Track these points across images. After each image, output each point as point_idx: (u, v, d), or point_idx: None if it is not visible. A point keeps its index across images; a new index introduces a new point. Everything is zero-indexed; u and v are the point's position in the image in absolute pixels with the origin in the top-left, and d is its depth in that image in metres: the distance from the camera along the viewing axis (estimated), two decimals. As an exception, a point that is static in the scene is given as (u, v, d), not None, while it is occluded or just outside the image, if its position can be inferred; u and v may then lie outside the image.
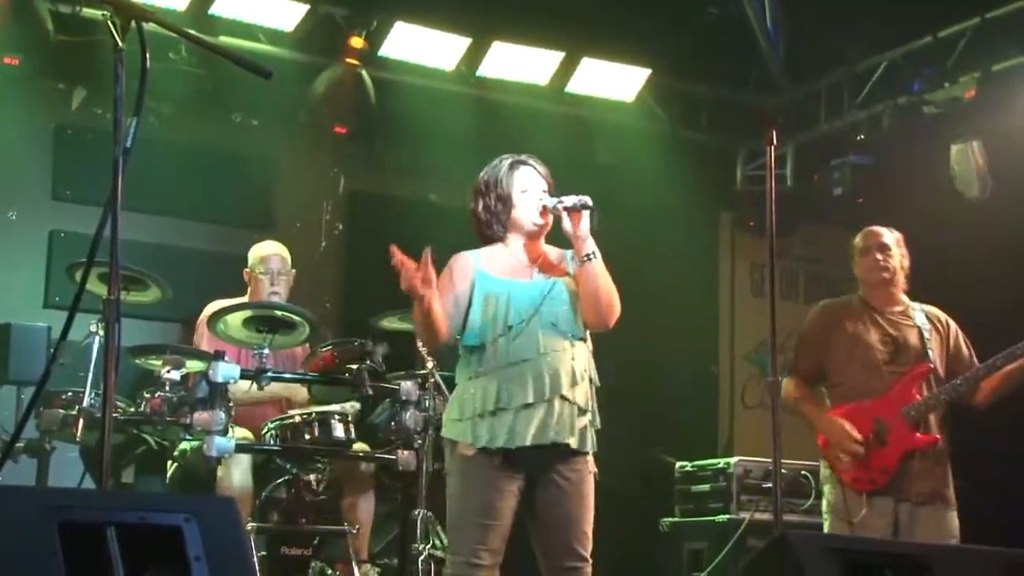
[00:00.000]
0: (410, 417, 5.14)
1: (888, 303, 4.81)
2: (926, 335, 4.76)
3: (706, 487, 6.60)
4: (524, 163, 3.89)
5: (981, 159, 6.96)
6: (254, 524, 5.02)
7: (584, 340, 3.79)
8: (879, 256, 4.80)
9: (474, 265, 3.77)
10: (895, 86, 7.38)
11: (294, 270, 5.79)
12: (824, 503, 4.81)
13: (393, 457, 5.13)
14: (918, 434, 4.67)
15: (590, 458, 3.76)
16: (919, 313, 4.82)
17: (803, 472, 6.19)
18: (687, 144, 8.10)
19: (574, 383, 3.69)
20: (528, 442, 3.62)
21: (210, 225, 7.15)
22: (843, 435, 4.65)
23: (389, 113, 7.33)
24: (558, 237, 3.91)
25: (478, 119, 7.40)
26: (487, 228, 3.85)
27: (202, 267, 6.78)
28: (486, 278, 3.77)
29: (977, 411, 4.81)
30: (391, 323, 5.78)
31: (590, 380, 3.78)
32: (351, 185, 7.72)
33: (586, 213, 3.75)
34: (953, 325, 4.85)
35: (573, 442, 3.68)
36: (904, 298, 4.85)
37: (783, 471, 4.35)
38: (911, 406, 4.67)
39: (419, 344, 5.60)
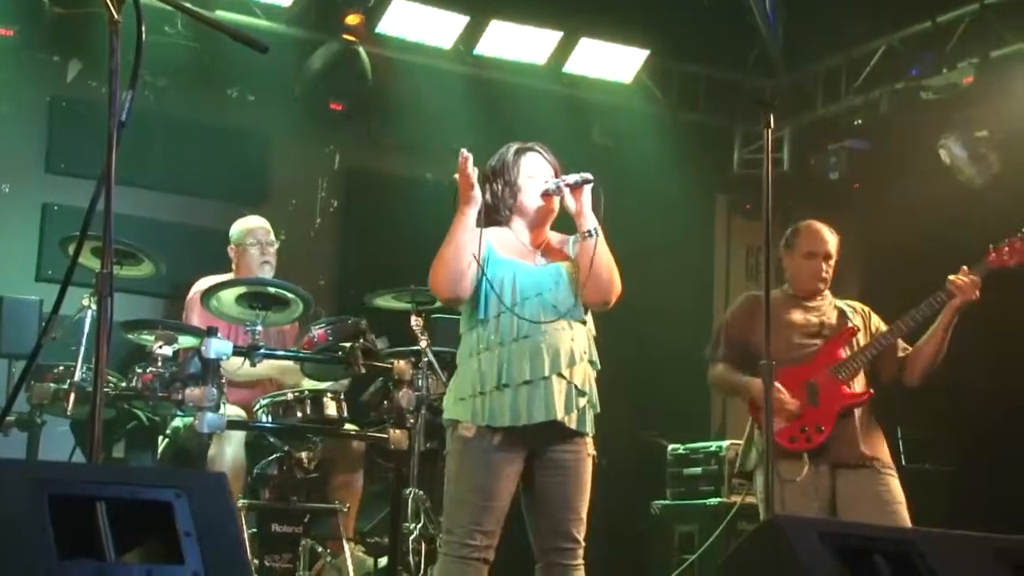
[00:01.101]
0: (403, 396, 5.13)
1: (813, 297, 4.87)
2: (848, 313, 4.83)
3: (698, 470, 6.61)
4: (531, 149, 3.90)
5: (962, 152, 6.96)
6: (245, 501, 5.02)
7: (584, 323, 3.80)
8: (824, 266, 4.83)
9: (486, 239, 3.78)
10: (893, 71, 7.37)
11: (279, 242, 5.78)
12: (755, 472, 4.77)
13: (385, 436, 5.13)
14: (847, 390, 4.69)
15: (589, 440, 3.77)
16: (842, 303, 4.90)
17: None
18: (684, 126, 8.09)
19: (572, 362, 3.70)
20: (527, 420, 3.63)
21: (204, 200, 7.13)
22: (777, 402, 4.60)
23: (386, 90, 7.31)
24: (565, 224, 3.92)
25: (475, 98, 7.38)
26: (494, 213, 3.85)
27: (195, 242, 6.77)
28: (494, 254, 3.78)
29: (911, 388, 4.78)
30: (385, 301, 5.78)
31: (590, 362, 3.78)
32: (347, 162, 7.71)
33: (587, 188, 3.76)
34: (874, 315, 4.88)
35: (571, 421, 3.69)
36: (828, 293, 4.91)
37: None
38: (838, 364, 4.70)
39: (413, 322, 5.60)
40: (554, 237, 3.94)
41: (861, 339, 4.79)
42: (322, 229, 7.54)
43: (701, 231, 8.78)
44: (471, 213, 3.69)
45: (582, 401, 3.72)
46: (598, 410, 3.79)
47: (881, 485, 4.62)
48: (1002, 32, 6.85)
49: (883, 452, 4.72)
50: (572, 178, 3.79)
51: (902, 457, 6.88)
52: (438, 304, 4.73)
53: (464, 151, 3.67)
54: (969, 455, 7.02)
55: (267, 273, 5.65)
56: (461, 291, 3.74)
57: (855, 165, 7.66)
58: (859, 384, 4.75)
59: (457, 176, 3.70)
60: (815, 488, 4.61)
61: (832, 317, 4.82)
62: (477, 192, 3.70)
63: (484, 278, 3.73)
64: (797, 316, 4.82)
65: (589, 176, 3.78)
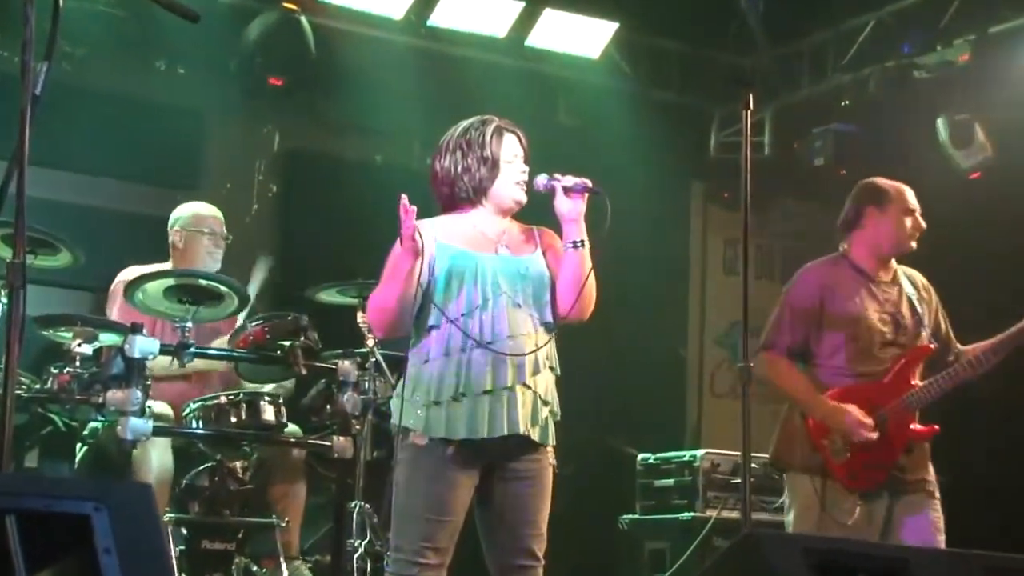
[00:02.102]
0: (348, 400, 5.13)
1: (882, 271, 4.73)
2: (918, 308, 4.69)
3: (670, 481, 6.64)
4: (509, 130, 3.87)
5: (951, 134, 7.03)
6: (172, 515, 5.00)
7: (550, 326, 3.78)
8: (923, 223, 4.69)
9: (431, 236, 3.74)
10: (883, 48, 7.42)
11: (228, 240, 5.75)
12: (791, 497, 4.67)
13: (328, 444, 5.12)
14: (919, 425, 4.63)
15: (550, 450, 3.77)
16: (906, 280, 4.75)
17: (775, 466, 6.24)
18: (657, 106, 8.11)
19: (537, 371, 3.70)
20: (487, 433, 3.62)
21: (129, 184, 7.09)
22: (853, 421, 4.49)
23: (331, 64, 7.28)
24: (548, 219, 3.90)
25: (429, 74, 7.37)
26: (460, 191, 3.81)
27: (119, 230, 6.73)
28: (447, 250, 3.74)
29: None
30: (329, 296, 5.76)
31: (551, 369, 3.78)
32: (287, 143, 7.68)
33: (584, 196, 3.76)
34: (935, 296, 4.80)
35: (535, 434, 3.69)
36: (892, 262, 4.78)
37: (753, 465, 4.37)
38: (912, 394, 4.59)
39: (359, 319, 5.59)
40: (517, 228, 3.90)
41: (928, 336, 4.65)
42: (259, 216, 7.51)
43: (675, 221, 8.82)
44: (415, 264, 3.65)
45: (545, 411, 3.73)
46: (559, 418, 3.80)
47: (934, 511, 4.59)
48: (1001, 6, 6.91)
49: (929, 474, 4.67)
50: (570, 180, 3.77)
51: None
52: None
53: (405, 200, 3.57)
54: (962, 466, 7.09)
55: (214, 266, 5.61)
56: (402, 332, 3.78)
57: (842, 150, 7.70)
58: (929, 411, 4.65)
59: (406, 223, 3.59)
60: (868, 527, 4.52)
61: (906, 310, 4.67)
62: (420, 244, 3.62)
63: (438, 284, 3.71)
64: (873, 313, 4.64)
65: (594, 186, 3.77)
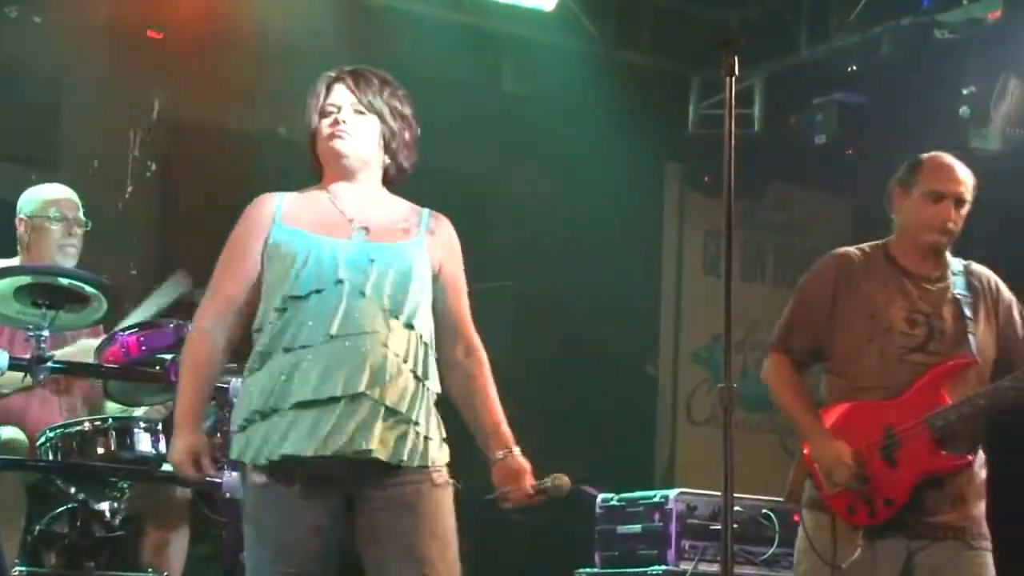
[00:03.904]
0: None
1: (925, 265, 4.70)
2: (967, 312, 4.63)
3: (637, 528, 6.65)
4: (338, 79, 3.88)
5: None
6: (23, 568, 4.96)
7: (413, 328, 3.70)
8: (954, 213, 4.62)
9: (272, 214, 3.76)
10: (898, 2, 7.48)
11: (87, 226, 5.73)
12: (801, 535, 4.68)
13: (218, 480, 5.09)
14: (942, 452, 4.60)
15: (435, 471, 3.70)
16: (959, 277, 4.70)
17: (764, 511, 6.26)
18: (624, 70, 8.15)
19: (383, 379, 3.63)
20: (309, 452, 3.56)
21: (-28, 160, 7.05)
22: (833, 463, 4.54)
23: (223, 14, 7.25)
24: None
25: (348, 29, 7.35)
26: (314, 164, 3.89)
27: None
28: (282, 232, 3.74)
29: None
30: (219, 299, 5.74)
31: (417, 379, 3.72)
32: (169, 111, 7.66)
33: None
34: (1006, 292, 4.72)
35: (382, 453, 3.61)
36: (947, 257, 4.72)
37: (737, 508, 4.39)
38: (937, 413, 4.54)
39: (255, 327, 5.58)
40: (397, 206, 3.87)
41: (983, 347, 4.57)
42: (135, 200, 7.49)
43: (645, 210, 8.86)
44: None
45: (403, 428, 3.65)
46: (443, 435, 3.74)
47: (975, 566, 4.53)
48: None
49: (979, 514, 4.59)
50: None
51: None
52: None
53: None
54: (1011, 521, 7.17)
55: (69, 260, 5.59)
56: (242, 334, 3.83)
57: (848, 124, 7.77)
58: (962, 437, 4.55)
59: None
60: (874, 572, 4.50)
61: (946, 315, 4.62)
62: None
63: (267, 274, 3.71)
64: (899, 312, 4.62)
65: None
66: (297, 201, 3.82)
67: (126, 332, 5.13)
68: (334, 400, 3.59)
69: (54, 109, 7.33)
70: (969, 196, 4.65)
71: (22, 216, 5.69)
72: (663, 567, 6.43)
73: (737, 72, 4.25)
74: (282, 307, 3.66)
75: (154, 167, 7.61)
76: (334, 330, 3.62)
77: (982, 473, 4.64)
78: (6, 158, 7.00)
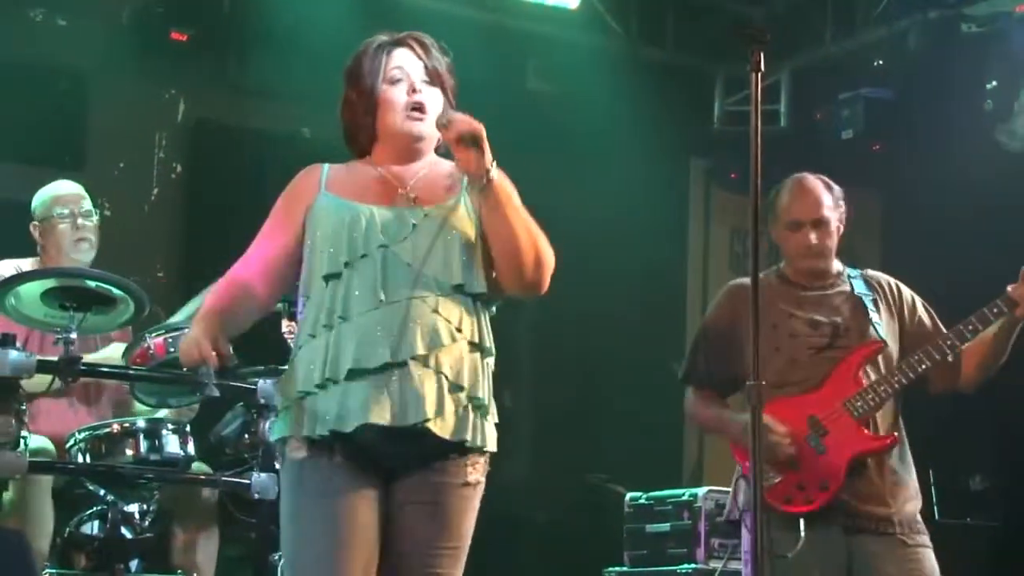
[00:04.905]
0: (270, 427, 5.11)
1: (817, 280, 4.86)
2: (868, 306, 4.80)
3: (665, 526, 6.66)
4: (400, 43, 3.85)
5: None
6: (54, 571, 4.97)
7: (464, 290, 3.59)
8: (813, 237, 4.79)
9: (319, 181, 3.73)
10: (925, -5, 7.48)
11: (98, 218, 5.73)
12: (745, 536, 4.74)
13: (247, 482, 5.10)
14: (866, 432, 4.70)
15: (476, 460, 3.59)
16: (857, 280, 4.87)
17: (793, 507, 6.27)
18: (648, 67, 8.15)
19: (436, 343, 3.54)
20: (360, 420, 3.46)
21: (-3, 162, 7.09)
22: (771, 440, 4.56)
23: (248, 16, 7.27)
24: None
25: (370, 29, 7.31)
26: (350, 139, 3.79)
27: (-14, 219, 6.70)
28: (327, 199, 3.69)
29: (961, 396, 4.83)
30: (246, 300, 5.75)
31: (477, 349, 3.62)
32: (194, 112, 7.67)
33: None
34: (907, 291, 4.89)
35: (438, 426, 3.49)
36: (837, 264, 4.89)
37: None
38: (855, 396, 4.69)
39: (284, 328, 5.58)
40: (440, 167, 3.77)
41: (890, 337, 4.76)
42: (160, 202, 7.50)
43: (671, 208, 8.85)
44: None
45: (461, 399, 3.56)
46: (491, 416, 3.62)
47: (911, 561, 4.61)
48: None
49: (914, 509, 4.71)
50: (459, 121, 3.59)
51: (935, 510, 6.99)
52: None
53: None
54: (1018, 507, 7.16)
55: (84, 255, 5.60)
56: (272, 304, 3.84)
57: (875, 119, 7.75)
58: (884, 419, 4.74)
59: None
60: (818, 565, 4.58)
61: (846, 312, 4.80)
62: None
63: (307, 245, 3.65)
64: (799, 319, 4.80)
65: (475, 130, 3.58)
66: (343, 171, 3.76)
67: (153, 335, 5.14)
68: (385, 368, 3.49)
69: (79, 112, 7.35)
70: (828, 212, 4.81)
71: (34, 220, 5.70)
72: (692, 566, 6.44)
73: (762, 67, 4.26)
74: (329, 274, 3.58)
75: (179, 168, 7.64)
76: (382, 296, 3.54)
77: (912, 472, 4.75)
78: (30, 160, 7.02)
